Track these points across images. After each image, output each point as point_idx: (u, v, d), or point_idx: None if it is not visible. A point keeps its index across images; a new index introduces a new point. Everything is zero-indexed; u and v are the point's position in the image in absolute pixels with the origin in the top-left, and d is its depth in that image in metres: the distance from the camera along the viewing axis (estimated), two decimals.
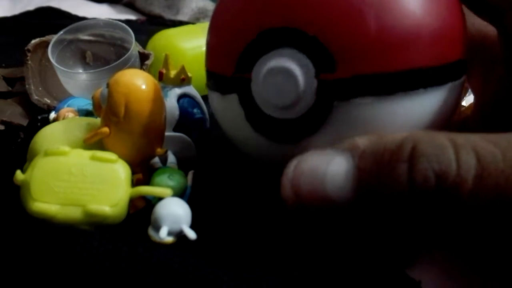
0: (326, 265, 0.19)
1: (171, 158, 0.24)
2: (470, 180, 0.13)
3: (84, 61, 0.35)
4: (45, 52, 0.33)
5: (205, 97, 0.33)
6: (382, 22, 0.16)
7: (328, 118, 0.17)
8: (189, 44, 0.33)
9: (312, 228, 0.20)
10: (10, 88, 0.34)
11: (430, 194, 0.13)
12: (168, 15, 0.56)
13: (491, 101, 0.20)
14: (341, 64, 0.16)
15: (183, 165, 0.23)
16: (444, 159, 0.13)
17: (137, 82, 0.20)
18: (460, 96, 0.19)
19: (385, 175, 0.14)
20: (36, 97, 0.31)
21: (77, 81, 0.32)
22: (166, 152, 0.22)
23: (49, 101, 0.32)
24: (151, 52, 0.33)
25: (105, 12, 0.57)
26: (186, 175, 0.22)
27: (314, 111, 0.17)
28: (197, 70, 0.32)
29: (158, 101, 0.21)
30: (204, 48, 0.33)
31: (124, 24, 0.34)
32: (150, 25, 0.52)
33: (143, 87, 0.20)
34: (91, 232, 0.19)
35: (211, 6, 0.56)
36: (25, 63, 0.33)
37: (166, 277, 0.18)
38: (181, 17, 0.56)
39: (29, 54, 0.33)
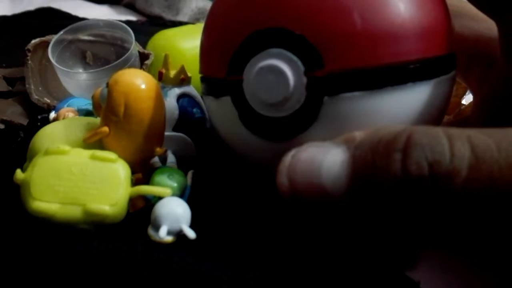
0: (324, 265, 0.19)
1: (170, 157, 0.24)
2: (464, 169, 0.13)
3: (84, 61, 0.35)
4: (46, 52, 0.33)
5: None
6: (367, 17, 0.16)
7: (319, 114, 0.17)
8: (188, 44, 0.33)
9: (307, 222, 0.20)
10: (10, 88, 0.34)
11: (424, 183, 0.13)
12: (168, 16, 0.56)
13: (490, 100, 0.20)
14: (328, 61, 0.17)
15: (182, 165, 0.23)
16: (438, 148, 0.13)
17: (136, 81, 0.20)
18: (451, 91, 0.19)
19: (379, 164, 0.14)
20: (36, 97, 0.32)
21: (77, 81, 0.32)
22: (165, 151, 0.22)
23: (49, 100, 0.32)
24: (151, 52, 0.33)
25: (105, 13, 0.57)
26: (185, 174, 0.22)
27: (305, 107, 0.17)
28: (197, 70, 0.32)
29: (158, 101, 0.21)
30: None
31: (124, 24, 0.34)
32: (150, 25, 0.52)
33: (143, 86, 0.20)
34: (91, 232, 0.19)
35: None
36: (25, 63, 0.33)
37: (166, 276, 0.18)
38: (181, 18, 0.56)
39: (29, 54, 0.33)
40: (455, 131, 0.14)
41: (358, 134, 0.15)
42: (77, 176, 0.19)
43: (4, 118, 0.29)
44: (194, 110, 0.26)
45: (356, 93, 0.17)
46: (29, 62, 0.33)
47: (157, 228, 0.19)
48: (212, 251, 0.19)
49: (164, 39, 0.34)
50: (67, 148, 0.20)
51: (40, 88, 0.33)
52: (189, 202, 0.20)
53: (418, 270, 0.20)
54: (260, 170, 0.23)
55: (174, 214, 0.19)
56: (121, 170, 0.20)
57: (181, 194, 0.21)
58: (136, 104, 0.20)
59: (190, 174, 0.22)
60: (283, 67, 0.17)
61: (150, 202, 0.21)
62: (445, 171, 0.13)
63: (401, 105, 0.17)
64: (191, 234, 0.19)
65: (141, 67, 0.34)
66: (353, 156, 0.15)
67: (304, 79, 0.17)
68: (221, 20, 0.20)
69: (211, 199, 0.23)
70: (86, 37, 0.36)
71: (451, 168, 0.13)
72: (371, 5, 0.16)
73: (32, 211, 0.19)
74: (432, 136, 0.14)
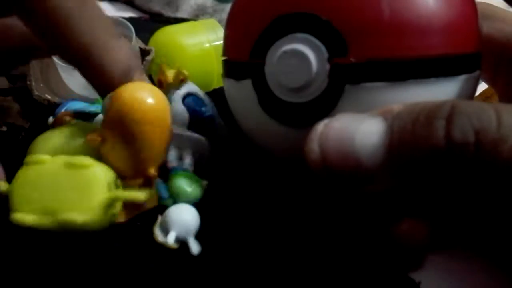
0: (325, 264, 0.19)
1: (187, 159, 0.24)
2: (511, 138, 0.12)
3: None
4: None
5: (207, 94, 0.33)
6: (395, 8, 0.16)
7: (339, 101, 0.17)
8: (190, 41, 0.33)
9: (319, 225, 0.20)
10: (12, 85, 0.34)
11: (468, 151, 0.13)
12: (168, 12, 0.56)
13: None
14: (353, 49, 0.17)
15: (197, 167, 0.23)
16: (485, 117, 0.13)
17: (139, 101, 0.19)
18: (474, 91, 0.19)
19: (420, 132, 0.13)
20: (37, 93, 0.31)
21: (78, 77, 0.32)
22: (157, 176, 0.21)
23: (49, 97, 0.32)
24: (152, 48, 0.33)
25: (105, 10, 0.57)
26: (200, 177, 0.22)
27: (326, 94, 0.17)
28: (199, 66, 0.33)
29: (162, 121, 0.20)
30: (206, 45, 0.33)
31: (125, 21, 0.34)
32: (153, 22, 0.52)
33: (146, 106, 0.19)
34: (94, 234, 0.19)
35: (210, 3, 0.56)
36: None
37: (167, 280, 0.18)
38: (180, 14, 0.56)
39: None
40: (501, 104, 0.13)
41: (396, 106, 0.15)
42: (52, 185, 0.19)
43: (7, 120, 0.30)
44: (203, 109, 0.25)
45: (378, 84, 0.16)
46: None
47: (165, 230, 0.19)
48: (215, 266, 0.19)
49: (166, 35, 0.34)
50: (45, 157, 0.19)
51: (41, 85, 0.33)
52: (198, 210, 0.20)
53: (422, 271, 0.20)
54: (273, 176, 0.23)
55: (185, 223, 0.19)
56: (95, 175, 0.19)
57: (195, 201, 0.21)
58: (135, 127, 0.19)
59: (203, 185, 0.22)
60: (307, 52, 0.17)
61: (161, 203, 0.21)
62: (492, 139, 0.13)
63: (422, 99, 0.17)
64: (194, 249, 0.19)
65: (142, 63, 0.34)
66: (391, 126, 0.14)
67: (327, 66, 0.17)
68: (248, 3, 0.20)
69: (221, 211, 0.22)
70: None
71: (497, 136, 0.13)
72: None
73: (13, 222, 0.18)
74: (478, 106, 0.13)
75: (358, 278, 0.19)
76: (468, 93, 0.18)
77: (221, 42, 0.33)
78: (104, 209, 0.18)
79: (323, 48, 0.17)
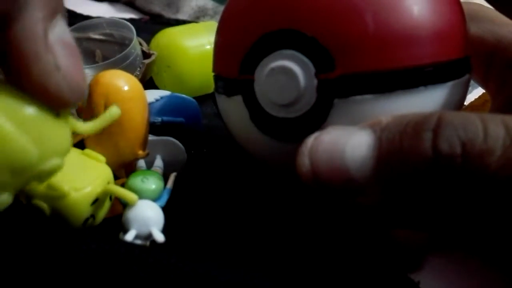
0: (323, 265, 0.19)
1: (157, 162, 0.23)
2: (498, 149, 0.12)
3: (94, 60, 0.35)
4: None
5: (204, 97, 0.33)
6: (379, 20, 0.16)
7: (329, 115, 0.17)
8: (192, 42, 0.33)
9: (325, 210, 0.20)
10: None
11: (455, 162, 0.13)
12: (168, 14, 0.56)
13: (508, 104, 0.20)
14: (340, 63, 0.17)
15: (171, 169, 0.23)
16: (471, 128, 0.13)
17: (117, 82, 0.20)
18: (464, 95, 0.19)
19: (408, 144, 0.13)
20: None
21: None
22: (147, 154, 0.22)
23: None
24: (154, 52, 0.34)
25: (105, 11, 0.57)
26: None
27: (315, 108, 0.17)
28: (200, 67, 0.33)
29: (140, 102, 0.21)
30: (207, 46, 0.33)
31: (127, 22, 0.34)
32: (154, 24, 0.52)
33: (124, 88, 0.20)
34: (89, 234, 0.19)
35: (211, 5, 0.56)
36: None
37: (163, 277, 0.18)
38: (180, 16, 0.56)
39: None
40: (487, 115, 0.13)
41: (385, 118, 0.15)
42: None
43: None
44: (154, 120, 0.26)
45: (367, 96, 0.17)
46: None
47: (126, 231, 0.19)
48: (206, 253, 0.19)
49: (167, 37, 0.34)
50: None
51: None
52: (169, 205, 0.20)
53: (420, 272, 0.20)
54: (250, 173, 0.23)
55: (143, 217, 0.19)
56: (102, 170, 0.19)
57: (157, 197, 0.21)
58: (121, 105, 0.19)
59: (172, 176, 0.22)
60: (294, 68, 0.17)
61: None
62: (479, 151, 0.13)
63: (412, 109, 0.17)
64: (159, 237, 0.18)
65: (142, 66, 0.34)
66: (379, 138, 0.14)
67: (315, 81, 0.17)
68: (235, 20, 0.20)
69: (191, 203, 0.22)
70: (96, 36, 0.36)
71: (484, 147, 0.12)
72: (384, 8, 0.16)
73: None
74: (465, 117, 0.13)
75: (356, 279, 0.19)
76: (458, 98, 0.18)
77: None
78: (92, 196, 0.18)
79: (310, 64, 0.17)
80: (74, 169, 0.19)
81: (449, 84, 0.17)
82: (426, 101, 0.17)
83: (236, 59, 0.19)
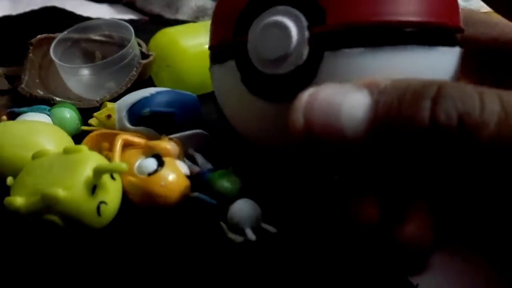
0: (325, 267, 0.19)
1: (199, 158, 0.24)
2: (492, 124, 0.13)
3: (93, 61, 0.35)
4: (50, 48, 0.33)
5: (203, 96, 0.33)
6: None
7: (319, 70, 0.17)
8: (190, 42, 0.33)
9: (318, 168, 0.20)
10: (11, 86, 0.34)
11: (451, 133, 0.13)
12: (168, 14, 0.56)
13: None
14: (331, 16, 0.17)
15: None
16: (469, 101, 0.13)
17: None
18: (456, 69, 0.19)
19: (406, 110, 0.14)
20: (22, 86, 0.31)
21: (77, 76, 0.32)
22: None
23: (41, 93, 0.32)
24: (152, 53, 0.33)
25: (105, 12, 0.57)
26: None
27: (306, 63, 0.18)
28: (199, 67, 0.33)
29: None
30: (205, 46, 0.33)
31: (125, 23, 0.34)
32: (153, 24, 0.52)
33: None
34: (92, 233, 0.19)
35: (210, 5, 0.56)
36: (26, 55, 0.33)
37: (165, 276, 0.18)
38: (180, 16, 0.56)
39: (31, 48, 0.33)
40: (485, 89, 0.14)
41: (383, 81, 0.15)
42: (46, 170, 0.20)
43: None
44: (144, 111, 0.26)
45: (357, 49, 0.17)
46: (30, 55, 0.33)
47: (238, 230, 0.20)
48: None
49: (166, 36, 0.34)
50: (49, 149, 0.21)
51: (37, 81, 0.33)
52: None
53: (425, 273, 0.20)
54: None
55: (253, 214, 0.20)
56: (83, 157, 0.20)
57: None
58: None
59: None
60: (287, 22, 0.18)
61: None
62: (474, 123, 0.13)
63: (399, 67, 0.17)
64: (271, 229, 0.20)
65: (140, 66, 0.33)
66: (376, 101, 0.15)
67: (307, 34, 0.18)
68: None
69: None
70: (96, 38, 0.36)
71: (480, 120, 0.13)
72: None
73: (6, 206, 0.19)
74: (463, 89, 0.14)
75: (357, 281, 0.19)
76: (448, 67, 0.19)
77: None
78: (85, 186, 0.19)
79: (302, 17, 0.18)
80: (60, 172, 0.19)
81: (439, 49, 0.18)
82: (415, 61, 0.17)
83: (231, 21, 0.20)
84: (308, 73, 0.18)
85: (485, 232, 0.22)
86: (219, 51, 0.21)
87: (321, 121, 0.15)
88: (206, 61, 0.33)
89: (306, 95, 0.16)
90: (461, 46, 0.19)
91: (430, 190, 0.18)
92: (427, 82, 0.14)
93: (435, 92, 0.14)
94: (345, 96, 0.15)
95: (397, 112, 0.14)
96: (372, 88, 0.15)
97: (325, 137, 0.15)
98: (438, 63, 0.18)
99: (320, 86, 0.16)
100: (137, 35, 0.33)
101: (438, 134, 0.13)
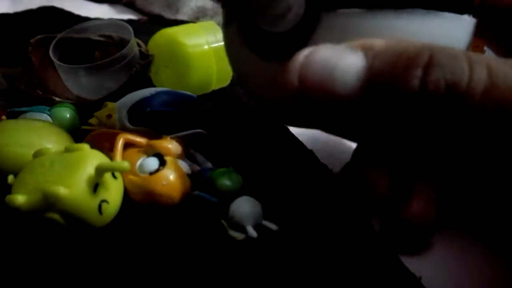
0: (326, 264, 0.19)
1: (200, 157, 0.25)
2: (479, 92, 0.14)
3: (93, 62, 0.35)
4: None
5: (202, 97, 0.33)
6: None
7: (316, 29, 0.17)
8: (189, 42, 0.33)
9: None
10: (10, 86, 0.34)
11: (439, 100, 0.14)
12: (168, 15, 0.56)
13: None
14: None
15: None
16: (458, 70, 0.14)
17: None
18: (463, 37, 0.18)
19: (398, 76, 0.14)
20: (21, 86, 0.31)
21: (76, 76, 0.32)
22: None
23: (40, 93, 0.32)
24: (151, 54, 0.34)
25: (105, 12, 0.57)
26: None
27: (303, 21, 0.18)
28: (198, 68, 0.33)
29: None
30: (205, 47, 0.33)
31: (124, 23, 0.34)
32: (152, 24, 0.52)
33: None
34: (94, 231, 0.19)
35: (210, 5, 0.56)
36: (26, 55, 0.33)
37: (167, 274, 0.18)
38: (180, 17, 0.56)
39: (30, 48, 0.33)
40: (475, 56, 0.14)
41: (378, 43, 0.15)
42: (47, 167, 0.20)
43: None
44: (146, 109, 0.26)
45: (354, 10, 0.17)
46: (29, 54, 0.33)
47: (239, 228, 0.20)
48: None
49: (166, 36, 0.34)
50: (50, 148, 0.21)
51: (36, 81, 0.33)
52: None
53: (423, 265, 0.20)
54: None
55: (255, 211, 0.21)
56: (84, 155, 0.20)
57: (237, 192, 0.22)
58: None
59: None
60: None
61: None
62: (461, 92, 0.14)
63: (398, 31, 0.17)
64: (272, 226, 0.21)
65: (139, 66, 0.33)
66: (371, 64, 0.15)
67: None
68: None
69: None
70: (95, 38, 0.36)
71: (466, 90, 0.14)
72: None
73: (7, 204, 0.19)
74: (454, 58, 0.14)
75: (358, 272, 0.19)
76: (455, 36, 0.18)
77: (220, 44, 0.33)
78: (87, 184, 0.19)
79: None
80: (62, 170, 0.19)
81: (443, 15, 0.17)
82: (415, 26, 0.17)
83: None
84: (306, 31, 0.18)
85: (484, 217, 0.22)
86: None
87: (315, 82, 0.15)
88: (206, 61, 0.33)
89: (301, 56, 0.16)
90: (473, 15, 0.18)
91: (433, 165, 0.19)
92: (420, 48, 0.15)
93: (426, 60, 0.14)
94: (340, 58, 0.15)
95: (389, 76, 0.15)
96: (366, 50, 0.15)
97: (318, 97, 0.15)
98: (446, 31, 0.17)
99: (316, 47, 0.16)
100: (136, 35, 0.33)
101: (426, 100, 0.14)
